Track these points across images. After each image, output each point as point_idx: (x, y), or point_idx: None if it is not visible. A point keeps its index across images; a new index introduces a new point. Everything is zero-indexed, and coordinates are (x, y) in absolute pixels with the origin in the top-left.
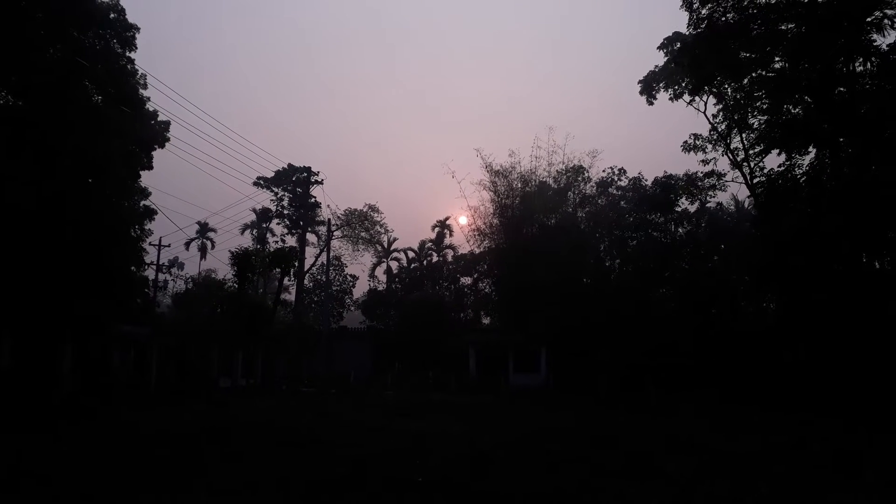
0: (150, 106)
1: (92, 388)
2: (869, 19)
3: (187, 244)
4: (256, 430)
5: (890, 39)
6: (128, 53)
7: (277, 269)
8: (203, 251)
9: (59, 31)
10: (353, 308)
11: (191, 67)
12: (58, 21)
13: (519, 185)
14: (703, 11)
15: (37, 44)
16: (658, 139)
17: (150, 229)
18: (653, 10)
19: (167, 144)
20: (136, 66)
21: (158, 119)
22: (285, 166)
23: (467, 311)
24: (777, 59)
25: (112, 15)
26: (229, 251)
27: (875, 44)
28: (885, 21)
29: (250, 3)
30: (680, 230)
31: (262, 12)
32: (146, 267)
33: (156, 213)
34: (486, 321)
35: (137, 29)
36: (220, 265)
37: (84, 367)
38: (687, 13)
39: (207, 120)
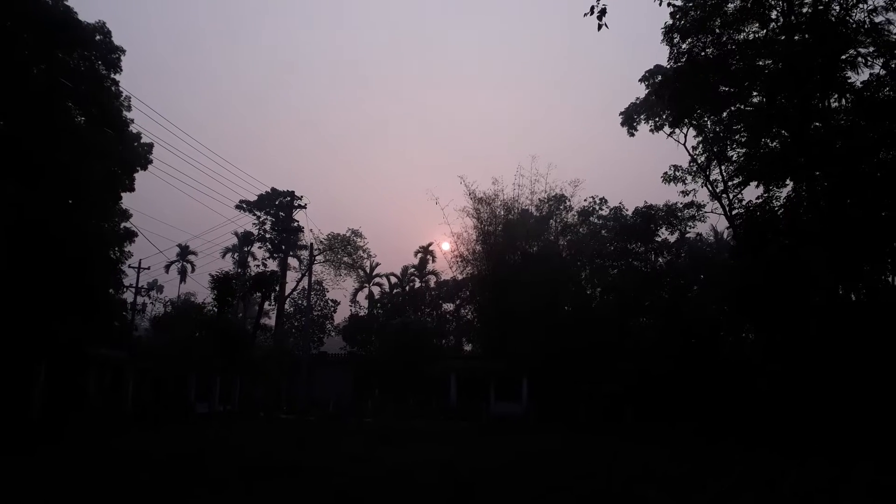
0: (133, 128)
1: (65, 411)
2: (843, 57)
3: (167, 267)
4: (234, 458)
5: (864, 77)
6: (112, 75)
7: (258, 294)
8: (183, 274)
9: (44, 51)
10: (333, 334)
11: (175, 91)
12: (43, 41)
13: (502, 212)
14: (684, 46)
15: (21, 64)
16: (639, 169)
17: (129, 252)
18: (634, 43)
19: (150, 166)
20: (121, 88)
21: (142, 141)
22: (268, 190)
23: (449, 338)
24: (755, 93)
25: (98, 37)
26: (210, 275)
27: (850, 80)
28: (859, 59)
29: (235, 28)
30: (660, 260)
31: (252, 38)
32: (125, 290)
33: (136, 235)
34: (467, 348)
35: (123, 51)
36: (200, 289)
37: (57, 390)
38: (668, 47)
39: (191, 143)
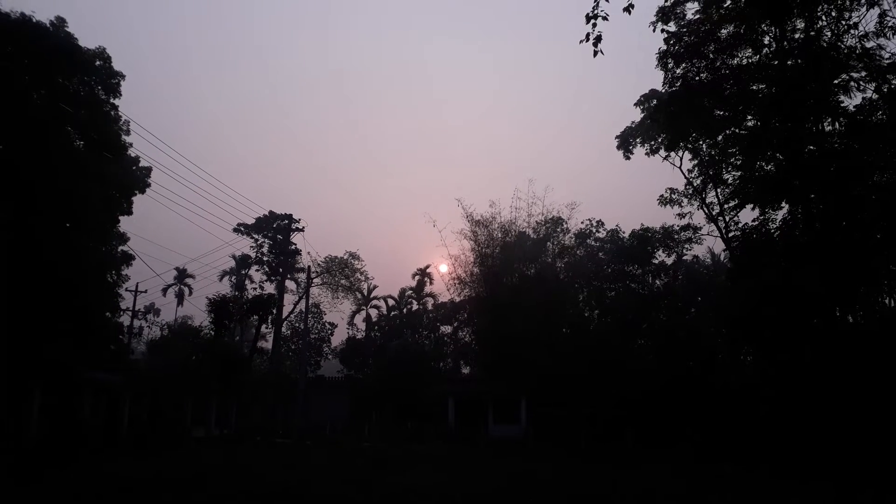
0: (132, 152)
1: (60, 435)
2: (836, 81)
3: (164, 290)
4: (232, 484)
5: (857, 100)
6: (112, 100)
7: (255, 317)
8: (180, 297)
9: (44, 76)
10: (330, 357)
11: (174, 114)
12: (43, 67)
13: (499, 234)
14: (678, 71)
15: (21, 89)
16: (635, 192)
17: (126, 275)
18: (631, 66)
19: (148, 190)
20: (120, 113)
21: (140, 165)
22: (266, 213)
23: (447, 361)
24: (749, 117)
25: (98, 62)
26: (207, 298)
27: (842, 104)
28: (852, 83)
29: (235, 53)
30: (657, 282)
31: (252, 62)
32: (121, 313)
33: (133, 258)
34: (465, 370)
35: (122, 76)
36: (198, 312)
37: (53, 414)
38: (662, 72)
39: (189, 166)
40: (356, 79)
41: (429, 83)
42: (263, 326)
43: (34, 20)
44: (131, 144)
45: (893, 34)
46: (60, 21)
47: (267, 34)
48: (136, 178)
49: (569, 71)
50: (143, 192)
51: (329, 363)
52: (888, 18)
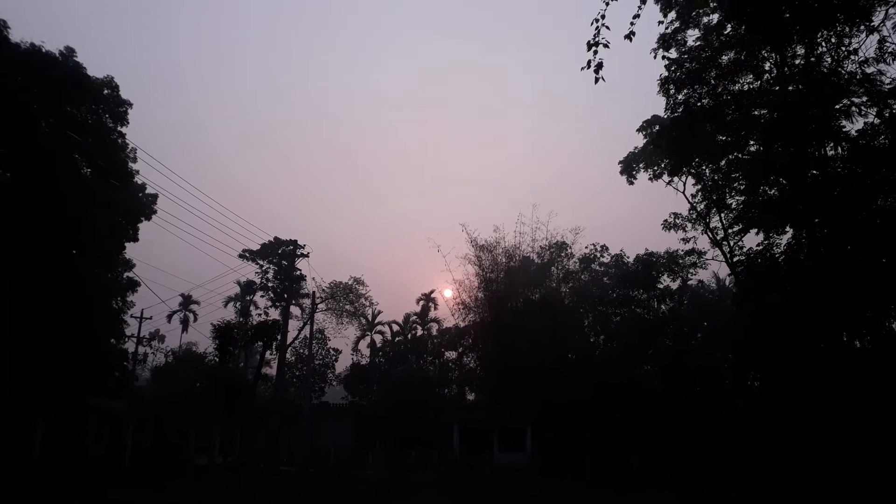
0: (138, 178)
1: (63, 461)
2: (837, 106)
3: (169, 317)
4: None
5: (859, 125)
6: (119, 128)
7: (259, 343)
8: (185, 324)
9: (52, 105)
10: (335, 383)
11: (181, 139)
12: (52, 96)
13: (503, 259)
14: (680, 97)
15: (29, 117)
16: (639, 217)
17: (132, 301)
18: (633, 92)
19: (154, 217)
20: (127, 140)
21: (146, 192)
22: (271, 239)
23: (451, 387)
24: (752, 142)
25: (106, 91)
26: (211, 324)
27: (844, 129)
28: (853, 108)
29: (239, 78)
30: (663, 307)
31: (258, 86)
32: (126, 339)
33: (139, 284)
34: (470, 397)
35: (130, 104)
36: (202, 338)
37: (55, 441)
38: (664, 98)
39: (195, 193)
40: (354, 105)
41: (430, 109)
42: (268, 353)
43: (44, 50)
44: (138, 171)
45: (893, 60)
46: (69, 51)
47: (259, 55)
48: (142, 205)
49: (573, 96)
50: (149, 218)
51: (333, 389)
52: (888, 44)
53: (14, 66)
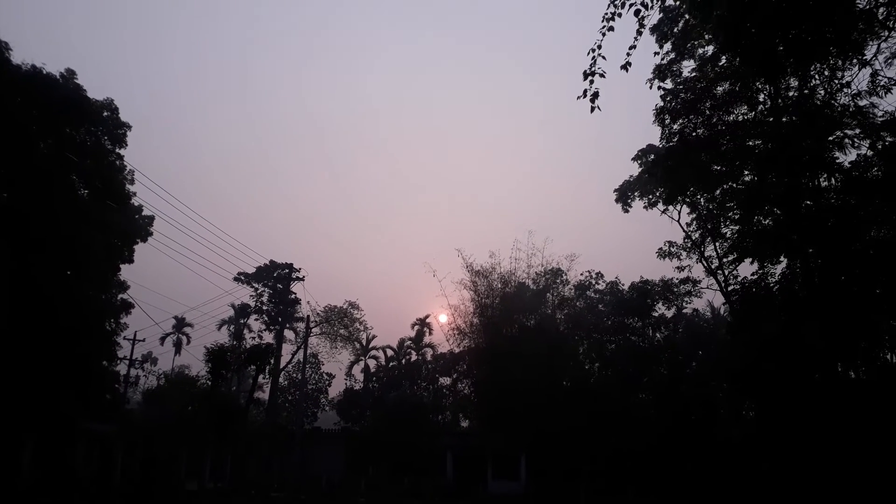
0: (135, 200)
1: (51, 484)
2: (831, 138)
3: (163, 339)
4: None
5: (852, 157)
6: (118, 150)
7: (252, 367)
8: (178, 346)
9: (51, 126)
10: (328, 408)
11: (178, 162)
12: (51, 117)
13: (499, 285)
14: (675, 127)
15: (28, 138)
16: (634, 244)
17: (125, 323)
18: (629, 121)
19: (149, 238)
20: (125, 162)
21: (143, 213)
22: (267, 263)
23: (445, 413)
24: (747, 172)
25: (105, 113)
26: (205, 347)
27: (838, 160)
28: (846, 140)
29: (239, 103)
30: (658, 335)
31: (256, 113)
32: (118, 361)
33: (133, 306)
34: (464, 424)
35: (129, 127)
36: (195, 361)
37: (45, 463)
38: (659, 127)
39: (192, 215)
40: (351, 130)
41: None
42: (261, 377)
43: (45, 72)
44: (135, 193)
45: (886, 93)
46: (70, 73)
47: (257, 76)
48: (138, 227)
49: (571, 124)
50: (144, 240)
51: (326, 414)
52: (880, 78)
53: (15, 87)
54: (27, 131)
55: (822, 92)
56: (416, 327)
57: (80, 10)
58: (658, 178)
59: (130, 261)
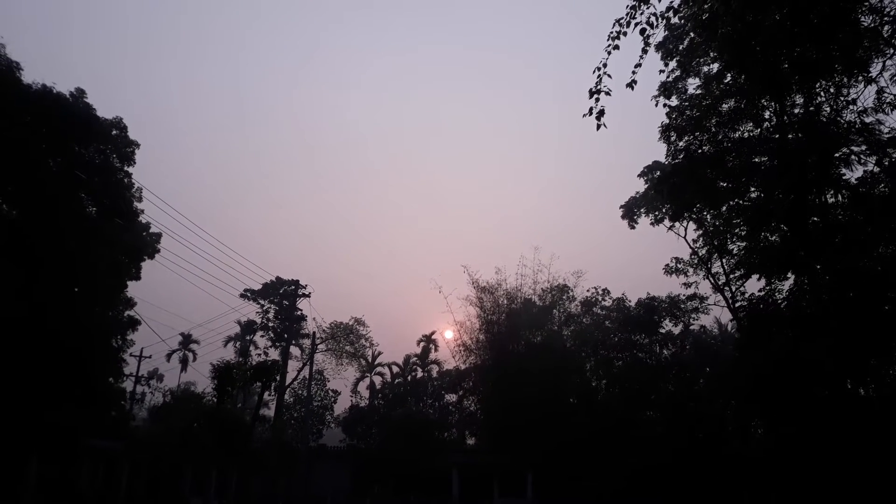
0: (143, 217)
1: (56, 502)
2: (837, 154)
3: (169, 356)
4: None
5: (858, 173)
6: (126, 167)
7: (258, 384)
8: (184, 363)
9: (60, 144)
10: (333, 426)
11: (185, 178)
12: (60, 136)
13: (505, 301)
14: (681, 144)
15: (37, 156)
16: (641, 260)
17: (132, 339)
18: (635, 137)
19: (157, 255)
20: (133, 180)
21: (150, 230)
22: (273, 279)
23: (451, 431)
24: (753, 188)
25: (114, 131)
26: (211, 364)
27: (844, 177)
28: (853, 157)
29: (244, 117)
30: (665, 352)
31: (262, 127)
32: (125, 378)
33: (139, 323)
34: (470, 441)
35: (137, 145)
36: (201, 378)
37: (49, 481)
38: (665, 144)
39: (198, 232)
40: (370, 141)
41: (441, 153)
42: (266, 394)
43: (55, 91)
44: (143, 210)
45: (892, 109)
46: (80, 92)
47: (262, 92)
48: (145, 244)
49: (578, 141)
50: (152, 257)
51: (331, 432)
52: (886, 94)
53: (25, 106)
54: (37, 149)
55: (828, 109)
56: (422, 344)
57: (94, 35)
58: (664, 194)
59: (137, 278)
